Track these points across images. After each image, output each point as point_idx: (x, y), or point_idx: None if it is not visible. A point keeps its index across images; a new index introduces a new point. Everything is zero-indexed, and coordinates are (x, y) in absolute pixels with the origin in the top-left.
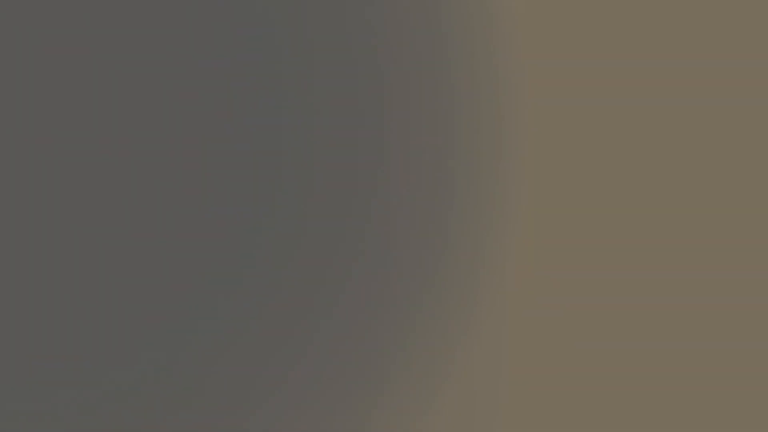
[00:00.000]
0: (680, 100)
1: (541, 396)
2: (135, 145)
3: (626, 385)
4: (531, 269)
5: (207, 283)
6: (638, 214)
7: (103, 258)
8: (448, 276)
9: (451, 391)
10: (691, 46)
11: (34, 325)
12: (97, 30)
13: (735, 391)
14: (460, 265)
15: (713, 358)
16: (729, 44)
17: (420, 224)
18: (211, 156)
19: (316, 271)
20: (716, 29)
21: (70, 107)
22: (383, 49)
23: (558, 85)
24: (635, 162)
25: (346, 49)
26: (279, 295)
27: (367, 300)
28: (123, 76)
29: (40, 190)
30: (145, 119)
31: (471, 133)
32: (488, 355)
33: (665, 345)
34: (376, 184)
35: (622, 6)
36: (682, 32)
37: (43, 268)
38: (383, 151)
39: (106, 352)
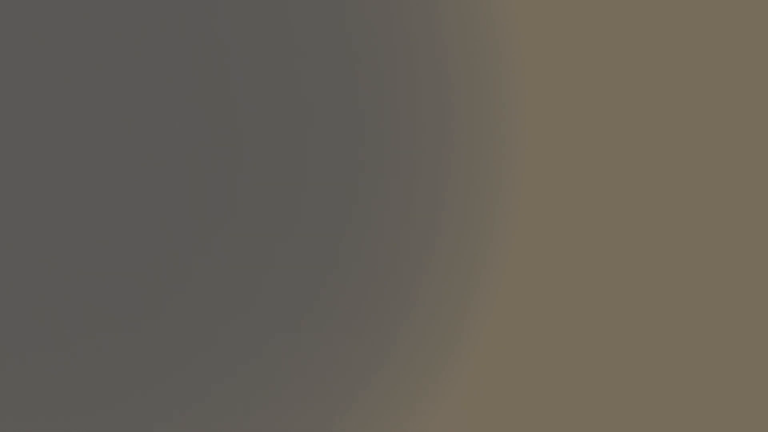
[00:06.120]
0: (680, 101)
1: (539, 396)
2: (139, 146)
3: (625, 386)
4: (530, 269)
5: (206, 283)
6: (637, 214)
7: (104, 253)
8: (445, 275)
9: (447, 391)
10: (691, 46)
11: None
12: (96, 31)
13: (738, 395)
14: (457, 265)
15: (713, 360)
16: (729, 44)
17: (418, 224)
18: (209, 158)
19: (312, 272)
20: (716, 30)
21: (65, 105)
22: (383, 49)
23: (558, 85)
24: (635, 163)
25: (346, 49)
26: (276, 295)
27: (365, 300)
28: (128, 77)
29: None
30: (151, 117)
31: (470, 133)
32: (486, 356)
33: (664, 345)
34: (376, 184)
35: (622, 7)
36: (681, 33)
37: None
38: (383, 151)
39: (107, 352)
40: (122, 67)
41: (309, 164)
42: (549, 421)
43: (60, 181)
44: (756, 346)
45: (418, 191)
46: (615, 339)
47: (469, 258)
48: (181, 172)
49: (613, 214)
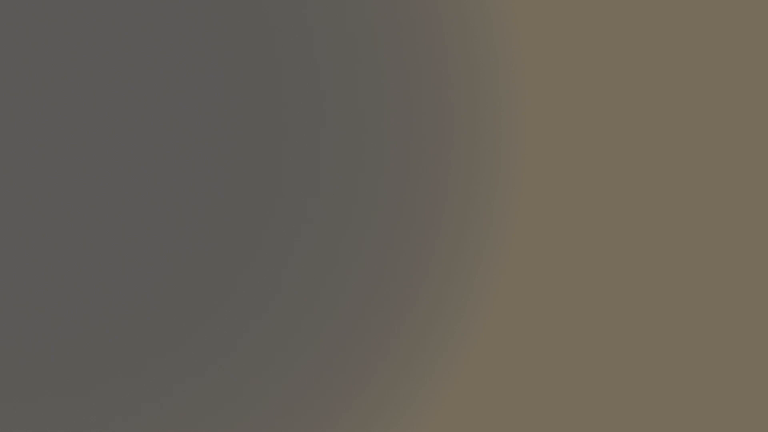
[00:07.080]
0: (680, 100)
1: (538, 396)
2: (142, 147)
3: (624, 386)
4: (529, 269)
5: (207, 284)
6: (637, 214)
7: (106, 256)
8: (445, 275)
9: (447, 392)
10: (691, 45)
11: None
12: (99, 33)
13: (738, 395)
14: (457, 265)
15: (714, 360)
16: (729, 44)
17: (418, 224)
18: (210, 157)
19: (313, 271)
20: (716, 29)
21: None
22: (383, 49)
23: (557, 85)
24: (634, 162)
25: (347, 48)
26: (276, 295)
27: (364, 300)
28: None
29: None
30: (154, 118)
31: (470, 133)
32: (486, 356)
33: (664, 344)
34: (375, 184)
35: (622, 7)
36: (681, 32)
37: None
38: (383, 151)
39: (108, 356)
40: (124, 68)
41: (308, 164)
42: (548, 420)
43: (59, 181)
44: (756, 346)
45: (418, 191)
46: (615, 339)
47: (469, 258)
48: (180, 173)
49: (612, 214)
